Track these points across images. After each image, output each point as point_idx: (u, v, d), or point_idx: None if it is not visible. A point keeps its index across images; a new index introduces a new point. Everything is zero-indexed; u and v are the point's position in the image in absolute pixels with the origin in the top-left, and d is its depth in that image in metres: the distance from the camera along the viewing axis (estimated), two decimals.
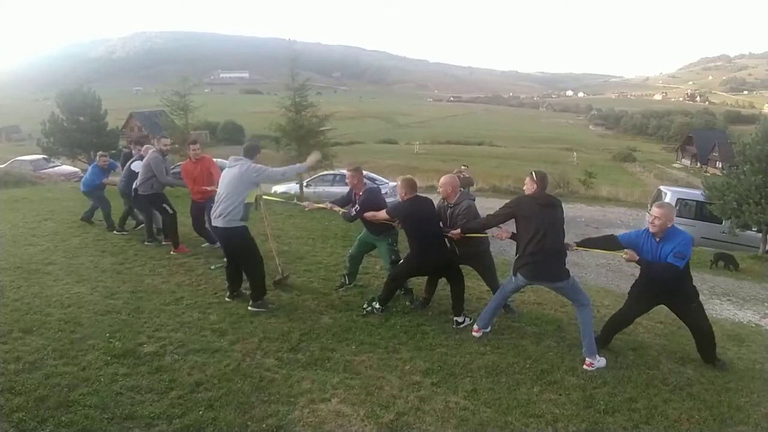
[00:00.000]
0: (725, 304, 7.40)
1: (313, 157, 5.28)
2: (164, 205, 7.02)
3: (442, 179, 4.92)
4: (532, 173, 4.34)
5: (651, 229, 3.99)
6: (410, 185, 4.74)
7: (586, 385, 3.80)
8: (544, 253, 4.05)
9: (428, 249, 4.66)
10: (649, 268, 4.03)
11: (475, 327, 4.54)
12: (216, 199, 4.86)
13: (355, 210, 5.05)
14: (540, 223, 4.06)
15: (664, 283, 4.04)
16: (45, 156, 25.56)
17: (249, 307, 4.85)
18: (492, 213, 4.51)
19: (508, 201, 4.46)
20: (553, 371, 3.97)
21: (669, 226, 3.95)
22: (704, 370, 4.24)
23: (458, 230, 4.62)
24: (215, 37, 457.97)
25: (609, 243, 4.40)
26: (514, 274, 4.29)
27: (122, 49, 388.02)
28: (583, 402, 3.56)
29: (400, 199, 4.79)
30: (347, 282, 5.61)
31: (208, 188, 6.34)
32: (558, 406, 3.49)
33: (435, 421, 3.24)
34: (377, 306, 4.88)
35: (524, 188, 4.43)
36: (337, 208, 5.42)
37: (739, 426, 3.46)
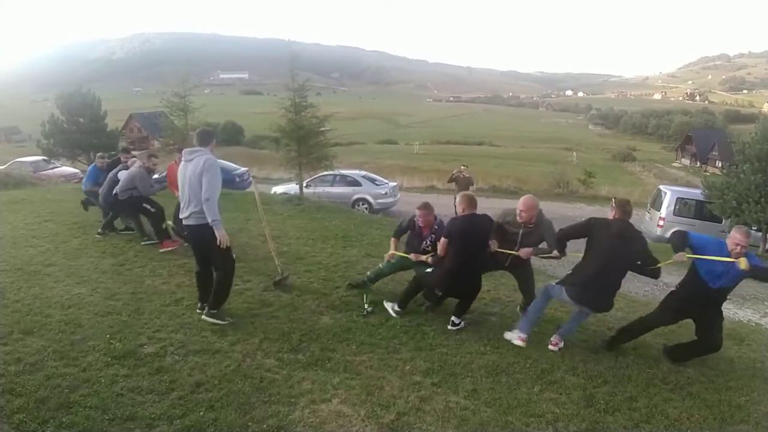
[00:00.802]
0: (725, 302, 7.39)
1: (223, 235, 4.38)
2: (145, 205, 7.04)
3: (527, 202, 4.62)
4: (613, 200, 4.36)
5: (733, 255, 3.90)
6: (470, 201, 4.55)
7: (586, 384, 3.81)
8: (599, 281, 4.07)
9: (464, 273, 4.51)
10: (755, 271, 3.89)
11: (521, 335, 4.37)
12: (181, 198, 4.45)
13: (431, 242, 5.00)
14: (606, 251, 4.04)
15: (717, 299, 4.13)
16: (45, 157, 25.55)
17: (203, 316, 4.53)
18: (566, 227, 4.45)
19: (585, 219, 4.43)
20: (553, 371, 3.98)
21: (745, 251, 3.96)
22: (704, 369, 4.26)
23: (530, 249, 4.61)
24: (214, 37, 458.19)
25: (681, 240, 4.19)
26: (563, 287, 4.25)
27: (121, 50, 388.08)
28: (584, 401, 3.57)
29: (457, 214, 4.69)
30: (368, 284, 5.56)
31: None
32: (558, 405, 3.50)
33: (435, 421, 3.25)
34: (396, 308, 4.88)
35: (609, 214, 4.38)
36: (429, 260, 4.93)
37: (739, 425, 3.48)
